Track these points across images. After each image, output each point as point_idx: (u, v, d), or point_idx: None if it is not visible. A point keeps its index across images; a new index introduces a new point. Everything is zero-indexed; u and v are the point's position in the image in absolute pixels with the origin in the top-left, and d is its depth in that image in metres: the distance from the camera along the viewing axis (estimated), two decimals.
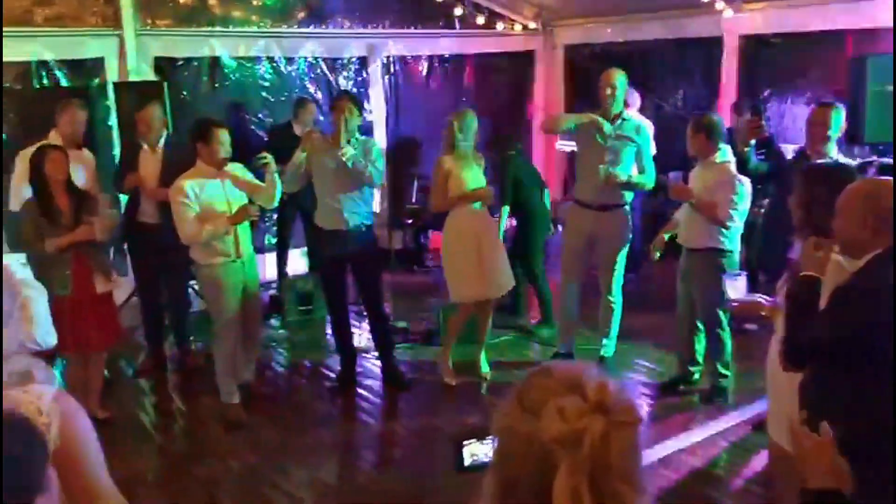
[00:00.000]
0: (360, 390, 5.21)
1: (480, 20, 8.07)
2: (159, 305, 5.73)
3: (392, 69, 8.08)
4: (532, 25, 8.63)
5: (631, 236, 5.25)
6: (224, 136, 4.53)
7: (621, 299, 5.26)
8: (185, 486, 4.12)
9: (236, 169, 4.66)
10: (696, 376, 4.97)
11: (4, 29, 6.04)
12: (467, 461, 2.01)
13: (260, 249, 7.29)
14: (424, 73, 8.29)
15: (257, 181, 4.73)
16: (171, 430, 4.86)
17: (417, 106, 8.06)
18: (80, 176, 5.07)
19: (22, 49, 6.12)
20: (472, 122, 5.00)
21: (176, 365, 5.71)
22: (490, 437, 1.14)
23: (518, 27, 8.53)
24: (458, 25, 8.19)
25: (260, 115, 7.34)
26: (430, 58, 8.28)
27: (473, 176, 5.03)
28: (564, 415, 1.00)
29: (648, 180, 5.09)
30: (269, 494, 3.98)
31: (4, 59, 6.10)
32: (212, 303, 4.77)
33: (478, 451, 2.01)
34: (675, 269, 4.88)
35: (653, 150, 5.40)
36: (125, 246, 6.02)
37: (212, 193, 4.51)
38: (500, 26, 8.34)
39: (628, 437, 1.03)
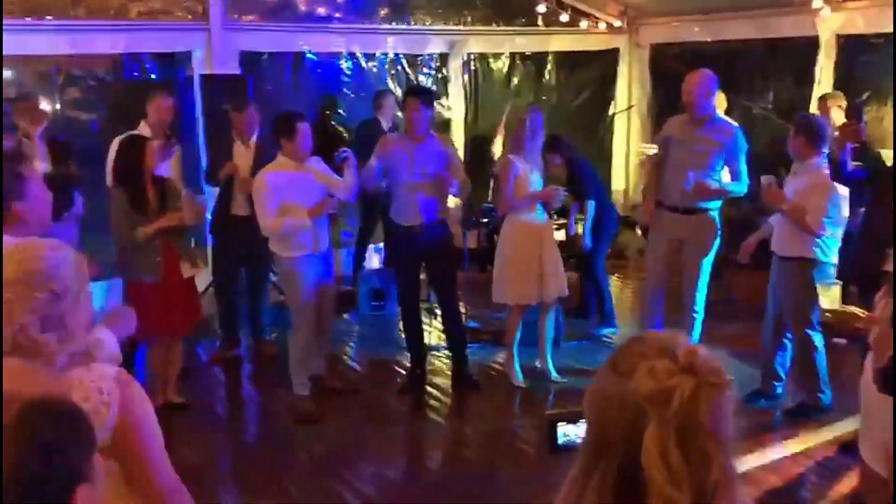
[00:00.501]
0: (429, 388, 5.18)
1: (563, 18, 7.93)
2: (237, 296, 5.83)
3: (472, 66, 8.02)
4: (617, 24, 8.43)
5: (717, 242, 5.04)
6: (306, 129, 4.57)
7: (704, 308, 5.05)
8: (254, 475, 4.18)
9: (315, 163, 4.70)
10: (779, 391, 4.74)
11: (100, 22, 6.27)
12: (560, 440, 2.03)
13: (336, 243, 7.38)
14: (505, 70, 8.20)
15: (336, 176, 4.75)
16: (242, 419, 4.94)
17: (496, 104, 7.97)
18: (167, 166, 5.19)
19: (115, 42, 6.32)
20: (541, 123, 4.93)
21: (250, 355, 5.80)
22: (582, 420, 1.23)
23: (602, 25, 8.35)
24: (540, 23, 8.08)
25: (340, 111, 7.39)
26: (512, 55, 8.18)
27: (538, 178, 5.00)
28: (655, 374, 1.07)
29: (740, 187, 4.87)
30: (335, 488, 3.98)
31: (98, 51, 6.34)
32: (289, 295, 4.82)
33: (570, 431, 2.01)
34: (759, 277, 4.68)
35: None
36: (208, 236, 6.15)
37: (292, 186, 4.54)
38: (583, 24, 8.19)
39: (716, 397, 1.08)
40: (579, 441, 1.23)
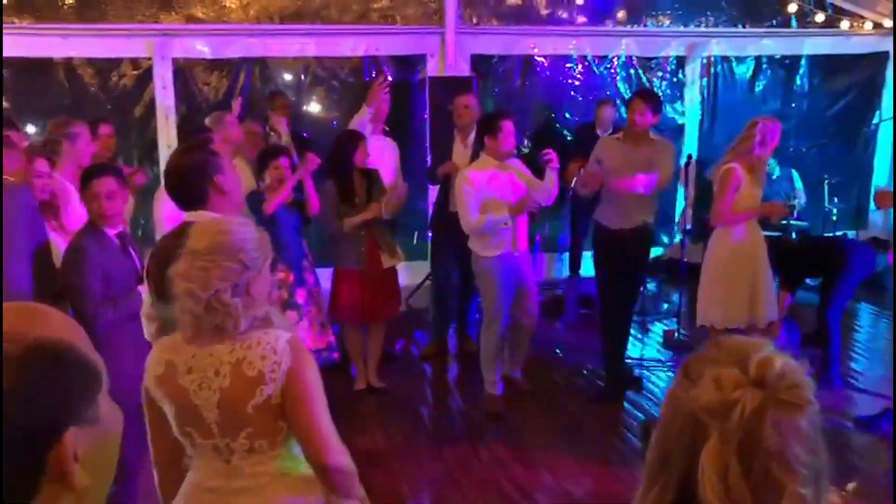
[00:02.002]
0: (626, 404, 4.95)
1: (820, 18, 7.21)
2: (451, 291, 5.97)
3: (712, 70, 7.54)
4: (888, 23, 7.49)
5: None
6: (510, 128, 4.54)
7: None
8: (432, 464, 4.26)
9: (517, 163, 4.67)
10: None
11: (350, 26, 6.75)
12: None
13: (552, 248, 7.32)
14: (749, 75, 7.61)
15: (536, 179, 4.69)
16: (434, 410, 5.04)
17: (736, 110, 7.41)
18: (389, 163, 5.45)
19: (356, 45, 6.77)
20: (775, 134, 4.48)
21: (455, 350, 5.91)
22: None
23: (868, 25, 7.47)
24: (793, 24, 7.41)
25: (566, 114, 7.30)
26: (758, 58, 7.58)
27: (759, 191, 4.57)
28: (720, 384, 0.98)
29: None
30: (510, 492, 3.92)
31: (344, 53, 6.83)
32: (484, 293, 4.84)
33: None
34: None
35: None
36: (429, 233, 6.37)
37: (494, 185, 4.56)
38: (844, 24, 7.38)
39: (789, 417, 0.97)
40: None
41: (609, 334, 5.03)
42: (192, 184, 2.57)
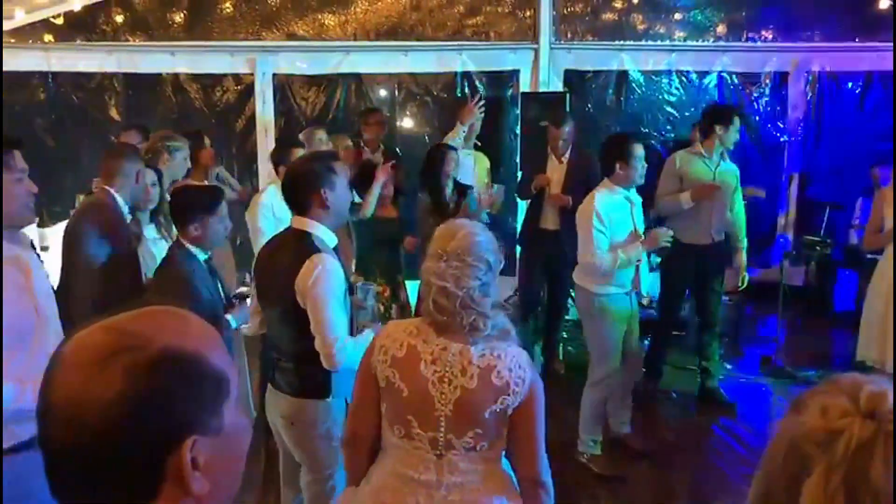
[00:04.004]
0: (718, 430, 4.76)
1: None
2: (536, 309, 5.90)
3: (817, 86, 7.23)
4: None
5: None
6: (641, 154, 4.10)
7: None
8: None
9: (637, 196, 4.25)
10: None
11: (444, 42, 6.80)
12: None
13: None
14: (858, 91, 7.25)
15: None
16: None
17: (844, 129, 7.10)
18: (470, 175, 5.45)
19: (451, 60, 6.82)
20: None
21: (542, 369, 5.79)
22: None
23: None
24: None
25: (662, 131, 7.13)
26: (868, 74, 7.22)
27: None
28: (826, 413, 0.92)
29: None
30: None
31: (438, 69, 6.88)
32: (593, 336, 4.23)
33: None
34: None
35: None
36: (517, 248, 6.32)
37: (620, 217, 4.08)
38: None
39: None
40: None
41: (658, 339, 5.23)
42: (299, 190, 2.69)
